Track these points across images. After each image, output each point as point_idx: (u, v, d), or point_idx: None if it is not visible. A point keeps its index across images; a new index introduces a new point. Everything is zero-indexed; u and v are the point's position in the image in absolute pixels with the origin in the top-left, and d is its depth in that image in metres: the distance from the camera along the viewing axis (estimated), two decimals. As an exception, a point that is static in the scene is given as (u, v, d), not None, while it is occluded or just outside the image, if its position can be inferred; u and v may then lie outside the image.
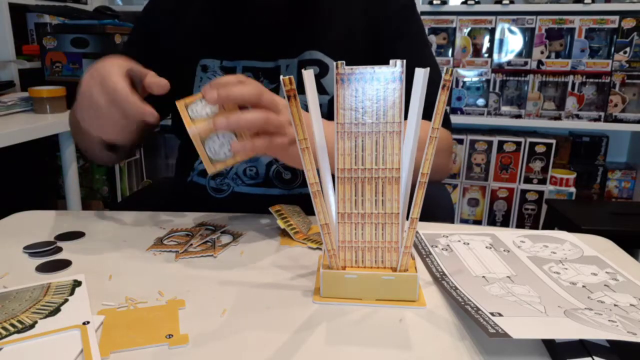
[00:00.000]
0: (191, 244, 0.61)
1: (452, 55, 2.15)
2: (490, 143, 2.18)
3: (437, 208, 0.93)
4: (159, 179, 2.16)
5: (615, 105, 2.07)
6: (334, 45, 0.78)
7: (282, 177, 0.80)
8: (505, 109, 2.16)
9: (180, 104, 0.55)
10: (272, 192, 0.80)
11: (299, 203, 0.72)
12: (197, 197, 0.83)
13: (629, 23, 1.99)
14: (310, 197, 0.47)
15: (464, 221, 2.30)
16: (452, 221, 1.06)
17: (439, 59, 2.16)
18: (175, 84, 0.79)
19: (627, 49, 2.02)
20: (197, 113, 0.56)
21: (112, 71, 0.55)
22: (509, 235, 0.65)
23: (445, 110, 0.86)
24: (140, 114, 0.54)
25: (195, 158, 0.84)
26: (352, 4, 0.81)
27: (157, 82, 0.56)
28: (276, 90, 0.77)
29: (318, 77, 0.77)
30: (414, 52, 0.81)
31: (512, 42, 2.11)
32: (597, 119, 2.09)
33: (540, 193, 2.18)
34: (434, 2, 2.10)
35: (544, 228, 1.99)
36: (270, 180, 0.80)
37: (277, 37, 0.79)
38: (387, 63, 0.47)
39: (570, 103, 2.09)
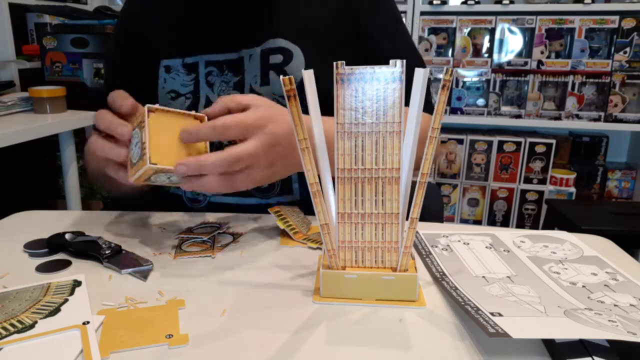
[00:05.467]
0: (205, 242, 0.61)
1: (452, 55, 2.15)
2: (490, 143, 2.18)
3: (427, 206, 0.93)
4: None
5: (615, 105, 2.07)
6: (298, 31, 0.76)
7: (259, 186, 0.79)
8: (505, 109, 2.16)
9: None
10: (249, 202, 0.78)
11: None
12: (175, 208, 0.80)
13: (629, 23, 1.99)
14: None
15: (464, 221, 2.30)
16: (441, 218, 1.05)
17: (439, 59, 2.16)
18: (143, 85, 0.78)
19: (627, 49, 2.02)
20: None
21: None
22: (509, 235, 0.65)
23: (432, 99, 0.85)
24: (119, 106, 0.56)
25: None
26: None
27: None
28: (241, 81, 0.76)
29: (282, 65, 0.75)
30: (389, 30, 0.80)
31: (512, 42, 2.11)
32: (597, 119, 2.09)
33: (540, 193, 2.18)
34: (434, 2, 2.10)
35: (544, 228, 1.99)
36: (246, 190, 0.79)
37: (238, 27, 0.77)
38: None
39: (570, 103, 2.09)
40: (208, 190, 0.56)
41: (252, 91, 0.76)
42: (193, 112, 0.57)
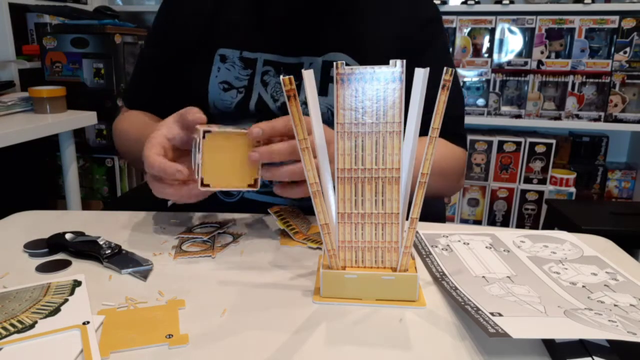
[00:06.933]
0: (204, 242, 0.61)
1: (452, 55, 2.15)
2: (490, 143, 2.18)
3: (429, 207, 0.94)
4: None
5: (615, 105, 2.07)
6: (363, 49, 0.77)
7: None
8: (505, 109, 2.16)
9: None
10: (281, 202, 0.79)
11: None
12: (206, 200, 0.82)
13: (629, 23, 1.99)
14: None
15: (464, 221, 2.30)
16: (443, 219, 1.05)
17: (439, 59, 2.16)
18: (193, 73, 0.78)
19: (627, 49, 2.02)
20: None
21: (150, 155, 0.58)
22: (509, 235, 0.65)
23: (464, 132, 0.85)
24: (173, 173, 0.57)
25: None
26: (388, 10, 0.80)
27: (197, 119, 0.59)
28: (298, 87, 0.77)
29: None
30: (436, 67, 0.81)
31: (512, 42, 2.11)
32: (597, 119, 2.09)
33: (540, 193, 2.18)
34: (434, 2, 2.10)
35: (544, 228, 1.99)
36: None
37: (304, 33, 0.78)
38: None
39: (570, 103, 2.09)
40: (281, 192, 0.60)
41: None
42: (246, 129, 0.58)
